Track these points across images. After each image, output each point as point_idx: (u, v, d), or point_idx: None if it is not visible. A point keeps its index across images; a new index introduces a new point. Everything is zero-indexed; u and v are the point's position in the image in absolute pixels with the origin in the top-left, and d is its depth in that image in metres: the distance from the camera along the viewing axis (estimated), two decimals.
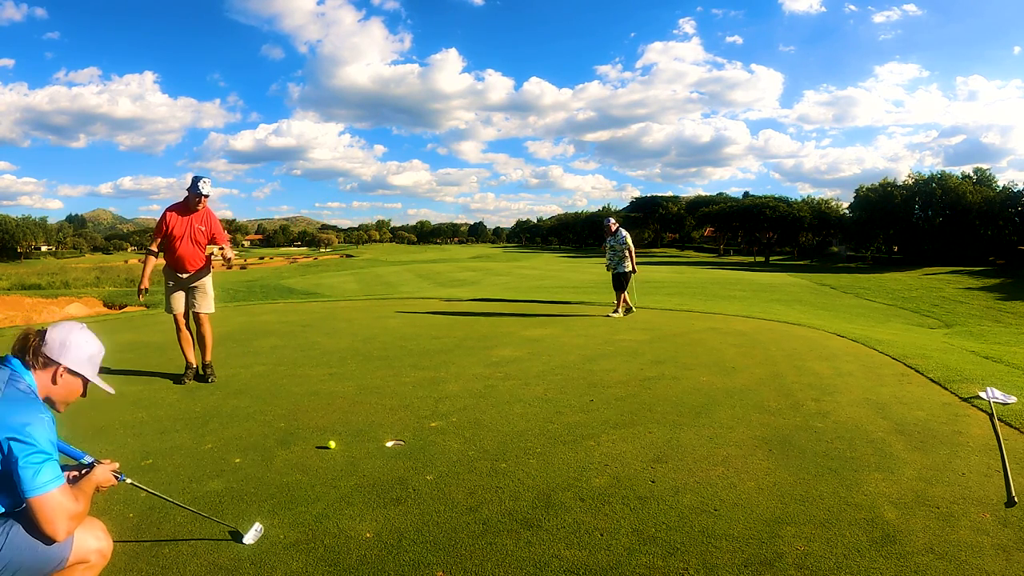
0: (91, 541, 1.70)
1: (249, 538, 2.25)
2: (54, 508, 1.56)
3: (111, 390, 1.92)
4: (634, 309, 8.70)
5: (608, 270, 8.75)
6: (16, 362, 1.73)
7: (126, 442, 3.30)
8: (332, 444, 3.18)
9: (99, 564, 1.74)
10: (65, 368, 1.78)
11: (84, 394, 1.93)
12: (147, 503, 2.57)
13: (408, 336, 6.55)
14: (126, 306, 21.65)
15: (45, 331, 1.79)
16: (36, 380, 1.74)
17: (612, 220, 8.81)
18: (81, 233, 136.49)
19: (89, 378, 1.86)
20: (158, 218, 4.80)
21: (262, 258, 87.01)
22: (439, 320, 7.84)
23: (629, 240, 8.60)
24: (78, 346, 1.81)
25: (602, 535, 2.26)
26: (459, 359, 5.34)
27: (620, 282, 8.46)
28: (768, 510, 2.43)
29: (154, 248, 4.77)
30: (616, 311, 8.38)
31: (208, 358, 4.88)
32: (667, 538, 2.23)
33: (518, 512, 2.44)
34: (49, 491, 1.56)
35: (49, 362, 1.76)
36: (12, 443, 1.54)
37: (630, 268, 8.51)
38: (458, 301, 10.45)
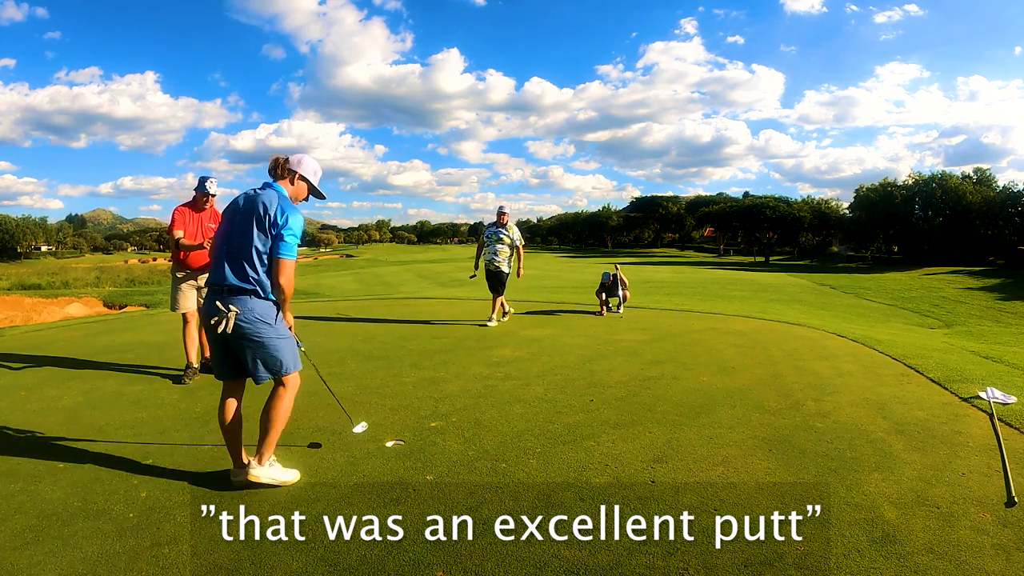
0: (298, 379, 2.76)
1: (359, 428, 3.24)
2: (292, 270, 2.64)
3: (325, 196, 2.95)
4: (511, 312, 7.86)
5: (488, 267, 7.51)
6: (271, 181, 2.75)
7: (126, 442, 3.30)
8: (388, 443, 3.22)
9: (294, 390, 2.73)
10: (300, 175, 2.79)
11: (307, 198, 2.88)
12: (147, 503, 2.57)
13: (408, 336, 6.54)
14: (126, 306, 21.65)
15: (285, 160, 2.78)
16: (283, 186, 2.75)
17: (506, 208, 7.56)
18: (81, 233, 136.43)
19: (312, 182, 2.84)
20: (170, 217, 4.83)
21: None
22: (439, 320, 7.84)
23: (520, 239, 7.63)
24: (308, 163, 2.82)
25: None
26: (459, 359, 5.34)
27: (500, 282, 7.45)
28: (768, 510, 2.43)
29: (179, 233, 4.73)
30: (491, 319, 7.40)
31: (208, 354, 4.90)
32: (667, 538, 2.23)
33: (518, 512, 2.44)
34: (294, 259, 2.64)
35: (289, 171, 2.77)
36: (288, 226, 2.60)
37: (511, 269, 7.51)
38: (458, 300, 10.45)
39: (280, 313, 2.69)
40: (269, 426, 2.68)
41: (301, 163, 2.79)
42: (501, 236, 7.50)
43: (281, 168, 2.75)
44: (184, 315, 4.87)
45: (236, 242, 2.63)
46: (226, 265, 2.62)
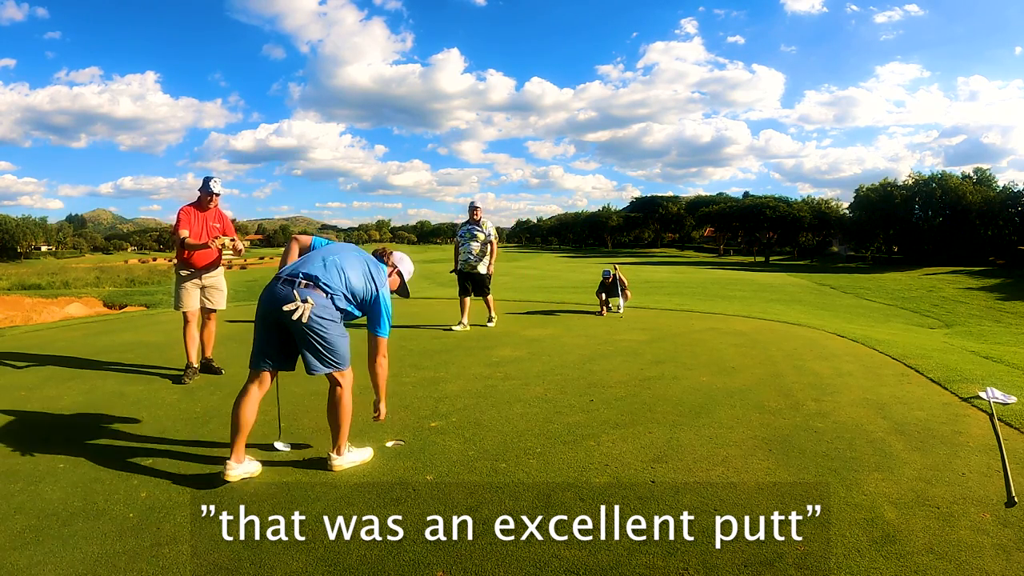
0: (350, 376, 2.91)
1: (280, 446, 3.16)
2: (385, 346, 2.95)
3: (409, 296, 3.33)
4: (495, 316, 7.29)
5: (463, 268, 7.12)
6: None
7: (126, 442, 3.30)
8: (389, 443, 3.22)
9: (351, 384, 2.91)
10: (399, 270, 3.13)
11: (393, 292, 3.12)
12: (147, 503, 2.57)
13: (408, 336, 6.54)
14: (126, 306, 21.66)
15: (391, 252, 3.13)
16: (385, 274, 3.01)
17: (479, 203, 7.13)
18: (81, 233, 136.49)
19: (404, 281, 3.19)
20: (175, 217, 4.84)
21: (262, 258, 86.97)
22: (439, 320, 7.83)
23: (495, 236, 7.20)
24: (407, 264, 3.19)
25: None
26: (459, 359, 5.34)
27: (478, 283, 7.09)
28: (768, 510, 2.43)
29: (184, 232, 4.75)
30: (490, 320, 7.18)
31: (210, 353, 4.95)
32: (667, 538, 2.23)
33: (518, 512, 2.44)
34: (387, 337, 2.94)
35: (392, 266, 3.10)
36: (383, 298, 2.89)
37: (487, 270, 7.12)
38: (457, 301, 10.43)
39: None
40: (340, 422, 2.85)
41: (403, 262, 3.15)
42: (475, 234, 7.10)
43: (386, 258, 3.08)
44: (185, 314, 4.86)
45: (340, 259, 2.85)
46: (317, 265, 2.79)
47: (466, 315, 7.08)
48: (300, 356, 2.77)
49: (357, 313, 2.87)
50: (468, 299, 7.16)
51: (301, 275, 2.74)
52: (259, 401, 2.82)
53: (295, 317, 2.65)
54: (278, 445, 3.17)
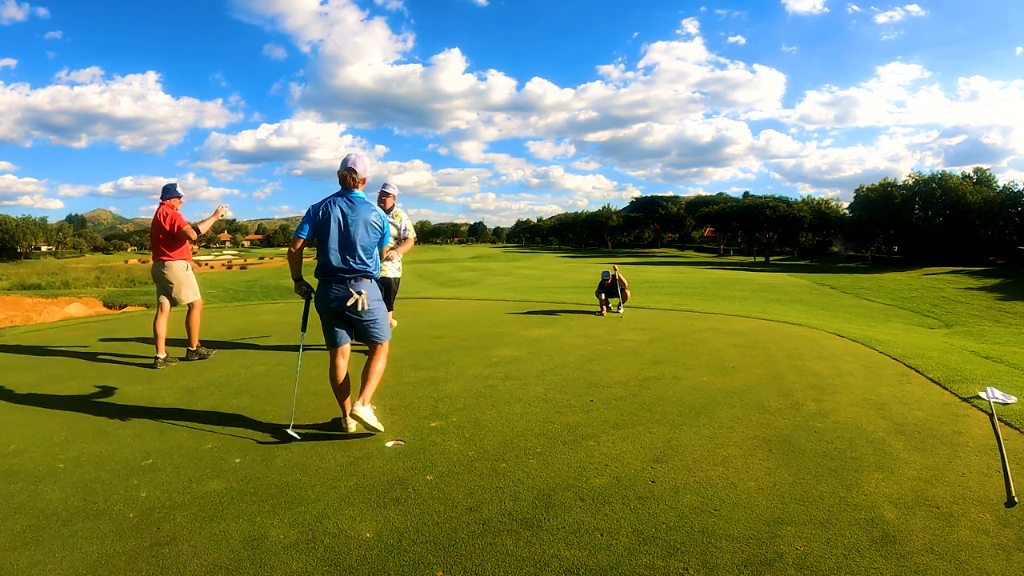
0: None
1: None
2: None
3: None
4: (394, 323, 5.84)
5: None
6: (353, 192, 3.38)
7: (126, 442, 3.30)
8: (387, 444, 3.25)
9: (386, 355, 3.49)
10: (362, 180, 3.44)
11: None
12: (147, 503, 2.57)
13: (408, 336, 6.54)
14: (126, 306, 21.66)
15: (355, 168, 3.38)
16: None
17: (391, 188, 5.54)
18: (81, 233, 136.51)
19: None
20: (172, 216, 5.43)
21: (262, 258, 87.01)
22: (439, 320, 7.83)
23: (411, 231, 5.60)
24: (366, 166, 3.44)
25: (602, 535, 2.26)
26: (459, 359, 5.34)
27: (388, 290, 5.46)
28: (768, 510, 2.43)
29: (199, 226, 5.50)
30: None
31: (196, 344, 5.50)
32: (667, 538, 2.23)
33: (518, 512, 2.44)
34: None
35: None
36: (387, 235, 3.49)
37: (397, 273, 5.67)
38: (458, 301, 10.45)
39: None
40: (374, 377, 3.39)
41: (365, 169, 3.48)
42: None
43: (353, 180, 3.41)
44: (167, 303, 5.40)
45: (359, 238, 3.33)
46: (355, 256, 3.31)
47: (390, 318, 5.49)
48: (357, 329, 3.41)
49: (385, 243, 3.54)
50: (390, 313, 5.52)
51: (348, 271, 3.30)
52: (347, 368, 3.42)
53: (359, 309, 3.29)
54: (290, 432, 3.39)
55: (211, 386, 4.50)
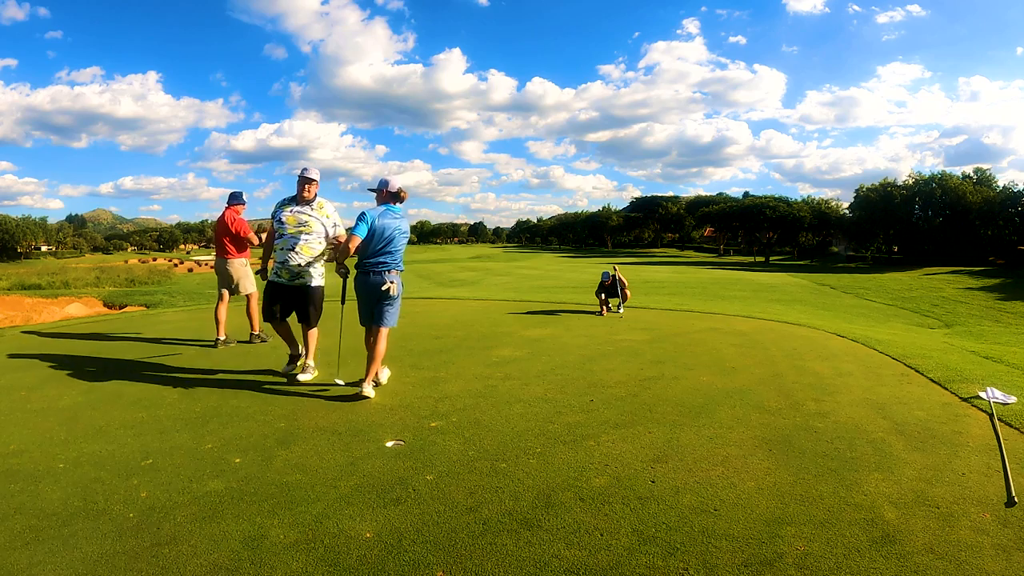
0: None
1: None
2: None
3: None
4: (311, 367, 4.63)
5: (279, 277, 4.58)
6: (393, 206, 4.23)
7: (126, 442, 3.30)
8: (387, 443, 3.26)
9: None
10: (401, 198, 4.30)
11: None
12: (147, 503, 2.57)
13: (408, 336, 6.54)
14: (126, 306, 21.67)
15: (393, 188, 4.22)
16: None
17: (313, 173, 4.57)
18: (81, 233, 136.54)
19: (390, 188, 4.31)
20: (239, 220, 6.33)
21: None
22: (439, 320, 7.83)
23: (340, 226, 4.72)
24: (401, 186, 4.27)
25: (602, 535, 2.26)
26: (459, 359, 5.34)
27: (306, 303, 4.61)
28: (768, 510, 2.43)
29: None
30: (295, 366, 4.81)
31: (258, 329, 6.36)
32: (667, 538, 2.23)
33: (518, 512, 2.44)
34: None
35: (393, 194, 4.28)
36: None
37: (319, 280, 4.68)
38: (458, 300, 10.44)
39: None
40: (378, 357, 4.20)
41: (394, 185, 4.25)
42: (304, 220, 4.54)
43: (392, 195, 4.23)
44: (227, 294, 6.31)
45: (390, 238, 4.15)
46: (389, 252, 4.16)
47: (297, 347, 4.82)
48: (376, 311, 4.22)
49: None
50: (286, 327, 4.75)
51: (381, 264, 4.15)
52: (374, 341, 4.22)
53: (390, 293, 4.13)
54: (337, 380, 4.34)
55: (211, 386, 4.50)
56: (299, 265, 4.57)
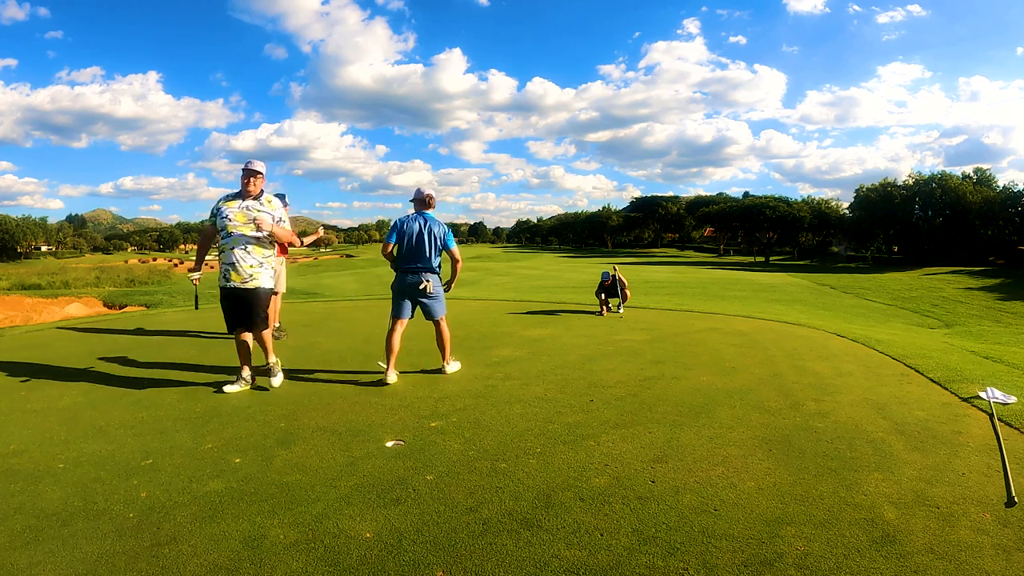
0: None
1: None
2: (458, 251, 4.82)
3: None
4: (275, 364, 4.46)
5: (229, 282, 4.21)
6: (426, 212, 4.73)
7: (126, 442, 3.30)
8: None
9: (447, 323, 4.83)
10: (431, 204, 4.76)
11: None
12: (147, 503, 2.57)
13: (408, 336, 6.51)
14: (126, 306, 21.65)
15: (430, 194, 4.71)
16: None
17: (259, 166, 4.27)
18: (81, 233, 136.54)
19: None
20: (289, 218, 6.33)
21: None
22: None
23: (286, 221, 4.43)
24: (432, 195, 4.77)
25: (602, 535, 2.26)
26: (459, 359, 5.33)
27: (253, 308, 4.25)
28: (768, 510, 2.43)
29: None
30: (247, 382, 4.35)
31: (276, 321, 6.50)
32: (667, 538, 2.23)
33: (518, 512, 2.44)
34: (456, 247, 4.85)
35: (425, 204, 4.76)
36: (449, 238, 4.75)
37: (275, 285, 4.47)
38: (458, 300, 10.44)
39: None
40: (446, 343, 4.83)
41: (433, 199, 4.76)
42: (254, 217, 4.19)
43: (427, 203, 4.72)
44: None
45: (427, 243, 4.59)
46: (425, 256, 4.59)
47: (247, 369, 4.39)
48: (421, 308, 4.69)
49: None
50: (248, 338, 4.37)
51: (420, 266, 4.59)
52: (401, 335, 4.66)
53: (427, 292, 4.58)
54: (380, 363, 4.79)
55: (211, 386, 4.50)
56: (251, 265, 4.22)
